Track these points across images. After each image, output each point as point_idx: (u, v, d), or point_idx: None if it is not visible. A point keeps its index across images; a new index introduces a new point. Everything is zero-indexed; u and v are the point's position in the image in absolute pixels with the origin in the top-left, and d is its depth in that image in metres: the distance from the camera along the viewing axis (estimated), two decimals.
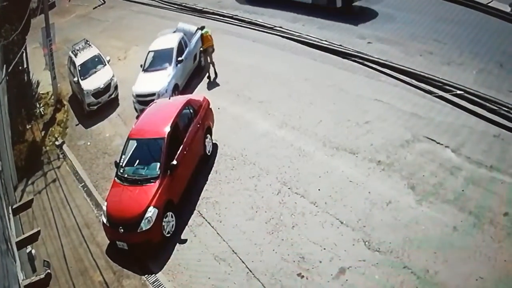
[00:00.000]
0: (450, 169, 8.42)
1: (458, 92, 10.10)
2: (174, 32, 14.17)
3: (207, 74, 13.24)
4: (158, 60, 12.75)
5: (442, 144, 9.00)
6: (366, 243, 7.49)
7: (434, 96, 10.33)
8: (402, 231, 7.52)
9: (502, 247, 6.84)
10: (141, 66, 13.04)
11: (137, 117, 11.11)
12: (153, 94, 11.85)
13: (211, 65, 13.14)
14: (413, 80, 10.88)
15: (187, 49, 13.34)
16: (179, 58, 12.76)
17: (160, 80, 12.17)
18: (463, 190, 7.94)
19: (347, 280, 7.03)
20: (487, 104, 9.53)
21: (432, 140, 9.17)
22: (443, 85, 10.45)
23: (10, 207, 7.32)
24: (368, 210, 8.04)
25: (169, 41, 13.30)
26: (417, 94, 10.49)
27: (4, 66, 13.23)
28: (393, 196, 8.17)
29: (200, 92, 12.53)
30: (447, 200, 7.84)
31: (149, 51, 13.06)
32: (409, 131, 9.52)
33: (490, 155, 8.46)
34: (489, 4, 13.22)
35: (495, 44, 11.55)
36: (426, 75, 10.83)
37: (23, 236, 6.62)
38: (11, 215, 7.08)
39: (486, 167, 8.25)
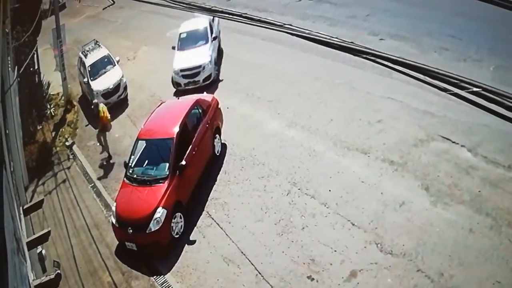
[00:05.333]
0: (466, 169, 8.15)
1: (475, 89, 9.75)
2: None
3: (105, 157, 12.01)
4: (193, 39, 13.62)
5: (457, 143, 8.73)
6: (378, 245, 7.31)
7: (449, 93, 9.92)
8: (415, 233, 7.31)
9: None
10: (173, 47, 13.74)
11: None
12: (199, 67, 12.87)
13: (103, 146, 12.00)
14: (427, 77, 10.55)
15: (214, 29, 14.04)
16: (214, 35, 13.65)
17: (202, 54, 13.12)
18: (479, 191, 7.68)
19: (358, 283, 6.86)
20: (505, 102, 9.17)
21: (447, 139, 8.90)
22: (458, 82, 10.07)
23: (21, 208, 7.36)
24: (381, 211, 7.85)
25: (200, 23, 14.13)
26: (431, 92, 10.05)
27: (16, 67, 13.35)
28: (406, 197, 7.95)
29: (208, 91, 12.46)
30: (463, 201, 7.59)
31: (181, 33, 13.96)
32: (423, 130, 9.27)
33: (508, 155, 8.15)
34: None
35: None
36: (441, 72, 10.50)
37: (33, 237, 6.65)
38: (22, 216, 7.11)
39: (504, 167, 7.96)
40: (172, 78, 13.43)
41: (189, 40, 13.64)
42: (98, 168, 11.87)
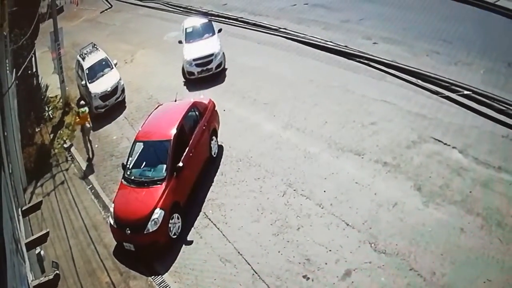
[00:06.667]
0: (457, 170, 8.34)
1: (466, 92, 10.00)
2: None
3: (87, 157, 12.43)
4: (199, 32, 14.44)
5: (449, 145, 8.93)
6: (372, 245, 7.46)
7: (441, 96, 10.24)
8: (408, 233, 7.47)
9: (510, 249, 6.76)
10: (179, 42, 14.48)
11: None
12: (211, 55, 13.56)
13: (89, 144, 12.40)
14: (420, 81, 10.80)
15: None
16: (219, 28, 14.42)
17: (212, 44, 13.88)
18: (470, 192, 7.86)
19: (353, 282, 7.00)
20: (495, 104, 9.42)
21: (439, 141, 9.09)
22: (450, 85, 10.36)
23: (19, 209, 7.44)
24: (374, 211, 8.00)
25: (202, 19, 15.08)
26: (423, 95, 10.42)
27: (14, 70, 13.40)
28: (399, 198, 8.12)
29: (205, 94, 12.60)
30: (454, 202, 7.77)
31: (186, 28, 14.69)
32: (415, 132, 9.46)
33: (498, 156, 8.37)
34: (496, 3, 13.08)
35: (503, 43, 11.42)
36: (433, 75, 10.74)
37: (32, 238, 6.73)
38: (20, 217, 7.19)
39: (494, 168, 8.15)
40: (183, 68, 14.02)
41: (195, 33, 14.34)
42: (96, 169, 11.95)
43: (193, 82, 13.73)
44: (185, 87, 13.75)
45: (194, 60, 13.58)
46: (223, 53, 13.78)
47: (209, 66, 13.51)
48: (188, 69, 13.75)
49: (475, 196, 7.75)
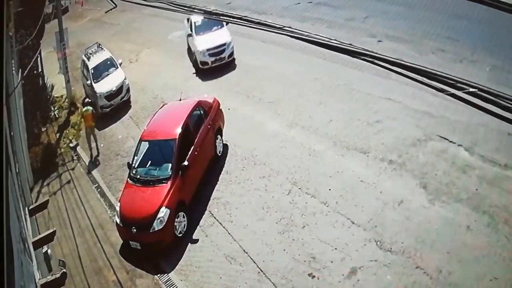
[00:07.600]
0: (463, 168, 8.31)
1: (471, 89, 9.90)
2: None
3: (90, 153, 12.63)
4: (208, 25, 14.63)
5: (455, 143, 8.89)
6: (378, 243, 7.45)
7: (446, 94, 10.09)
8: (414, 231, 7.46)
9: None
10: (189, 35, 14.93)
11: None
12: (224, 45, 14.03)
13: (94, 143, 12.62)
14: (425, 78, 10.70)
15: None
16: (227, 21, 14.44)
17: (223, 35, 14.27)
18: (476, 189, 7.83)
19: (358, 280, 7.00)
20: (501, 102, 9.34)
21: (445, 138, 9.06)
22: (455, 83, 10.24)
23: (26, 208, 7.50)
24: (380, 210, 8.00)
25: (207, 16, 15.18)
26: (429, 93, 10.25)
27: (20, 70, 13.50)
28: (405, 196, 8.10)
29: (210, 93, 12.64)
30: (460, 200, 7.74)
31: (194, 22, 14.85)
32: (421, 130, 9.43)
33: (504, 154, 8.32)
34: (501, 0, 12.96)
35: (509, 40, 11.32)
36: (438, 73, 10.66)
37: (39, 236, 6.77)
38: (27, 216, 7.24)
39: (500, 166, 8.11)
40: (196, 59, 14.32)
41: (204, 26, 14.59)
42: (101, 168, 12.02)
43: (202, 74, 13.94)
44: (190, 84, 13.77)
45: (208, 50, 13.94)
46: (233, 45, 14.06)
47: (222, 56, 13.92)
48: (202, 59, 14.05)
49: (481, 194, 7.71)
